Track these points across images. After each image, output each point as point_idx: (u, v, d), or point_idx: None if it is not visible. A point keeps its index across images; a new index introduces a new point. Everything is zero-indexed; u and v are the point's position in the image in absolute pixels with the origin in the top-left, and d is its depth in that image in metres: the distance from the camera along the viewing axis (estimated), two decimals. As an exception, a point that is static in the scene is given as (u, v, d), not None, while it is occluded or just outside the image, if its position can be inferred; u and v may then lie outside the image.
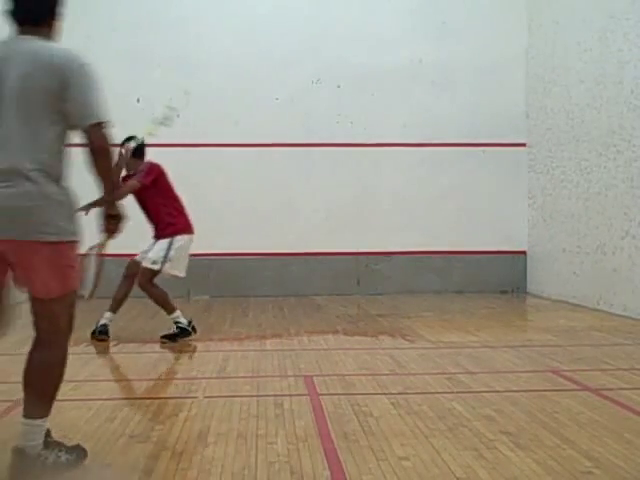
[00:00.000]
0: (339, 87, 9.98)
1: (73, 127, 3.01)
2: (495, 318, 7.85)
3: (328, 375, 4.91)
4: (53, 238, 2.90)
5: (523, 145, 10.11)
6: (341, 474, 2.99)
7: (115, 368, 5.25)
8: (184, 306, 8.87)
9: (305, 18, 9.94)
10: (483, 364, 5.24)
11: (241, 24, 9.89)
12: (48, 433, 3.11)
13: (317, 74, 9.97)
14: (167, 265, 6.25)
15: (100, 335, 6.23)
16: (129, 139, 6.11)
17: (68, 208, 2.99)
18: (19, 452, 3.00)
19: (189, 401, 4.24)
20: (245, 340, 6.45)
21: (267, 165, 9.82)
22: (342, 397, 4.27)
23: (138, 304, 8.89)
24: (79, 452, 3.19)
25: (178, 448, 3.34)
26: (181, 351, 5.93)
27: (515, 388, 4.49)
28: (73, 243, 3.00)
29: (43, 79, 2.90)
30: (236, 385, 4.74)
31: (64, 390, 4.47)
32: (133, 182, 6.17)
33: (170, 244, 6.29)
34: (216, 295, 9.44)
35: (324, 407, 4.02)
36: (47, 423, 3.08)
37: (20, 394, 4.35)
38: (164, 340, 6.22)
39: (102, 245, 3.32)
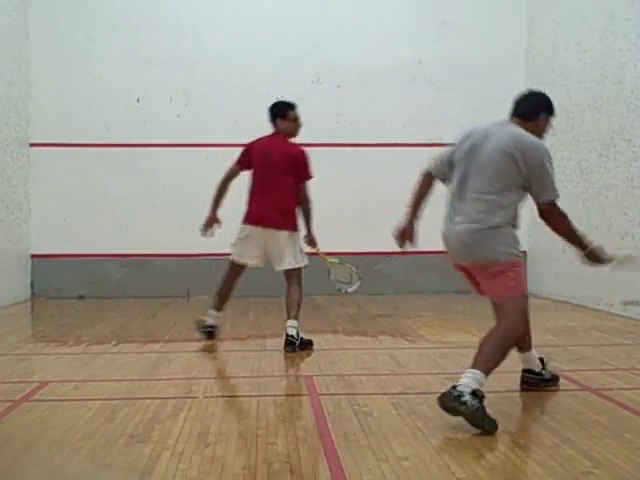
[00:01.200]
0: (339, 87, 9.99)
1: (528, 193, 3.92)
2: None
3: (328, 375, 4.90)
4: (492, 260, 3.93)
5: (523, 145, 10.10)
6: (341, 474, 2.99)
7: (115, 368, 5.25)
8: (184, 306, 8.92)
9: (305, 18, 9.94)
10: (483, 364, 5.22)
11: (241, 24, 9.90)
12: (479, 389, 3.60)
13: (317, 74, 9.97)
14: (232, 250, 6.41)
15: (299, 344, 5.82)
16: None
17: (505, 238, 3.91)
18: (453, 387, 3.60)
19: (189, 401, 4.23)
20: (245, 340, 6.45)
21: (267, 165, 9.80)
22: (342, 397, 4.26)
23: (138, 304, 8.93)
24: (490, 421, 3.55)
25: (178, 448, 3.33)
26: (181, 351, 5.93)
27: (515, 388, 4.48)
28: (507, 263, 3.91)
29: (499, 151, 3.85)
30: (236, 385, 4.74)
31: (64, 390, 4.52)
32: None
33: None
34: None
35: (324, 407, 4.02)
36: (482, 379, 3.63)
37: (21, 394, 4.39)
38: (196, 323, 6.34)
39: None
